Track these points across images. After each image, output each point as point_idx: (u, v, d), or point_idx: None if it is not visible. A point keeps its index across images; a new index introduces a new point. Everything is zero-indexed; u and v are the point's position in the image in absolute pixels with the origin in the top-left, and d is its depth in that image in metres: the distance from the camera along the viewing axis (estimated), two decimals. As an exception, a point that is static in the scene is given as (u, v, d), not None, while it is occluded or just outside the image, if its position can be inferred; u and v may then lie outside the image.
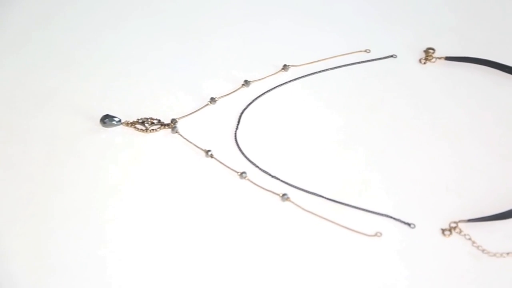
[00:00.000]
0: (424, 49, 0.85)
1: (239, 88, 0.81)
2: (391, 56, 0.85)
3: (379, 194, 0.71)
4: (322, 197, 0.70)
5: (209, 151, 0.74)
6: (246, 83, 0.81)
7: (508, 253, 0.66)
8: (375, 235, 0.67)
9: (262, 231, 0.68)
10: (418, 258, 0.66)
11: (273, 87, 0.81)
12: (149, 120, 0.76)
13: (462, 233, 0.67)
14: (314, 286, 0.64)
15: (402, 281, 0.65)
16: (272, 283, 0.65)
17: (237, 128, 0.77)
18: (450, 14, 0.90)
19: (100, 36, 0.88)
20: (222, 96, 0.80)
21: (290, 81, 0.82)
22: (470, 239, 0.67)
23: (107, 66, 0.84)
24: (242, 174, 0.72)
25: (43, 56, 0.85)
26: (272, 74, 0.82)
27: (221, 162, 0.73)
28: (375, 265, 0.66)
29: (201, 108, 0.79)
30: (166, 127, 0.76)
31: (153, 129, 0.76)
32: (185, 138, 0.75)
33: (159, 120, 0.76)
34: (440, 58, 0.84)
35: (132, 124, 0.76)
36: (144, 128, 0.76)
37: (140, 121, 0.76)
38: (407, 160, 0.74)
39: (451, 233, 0.67)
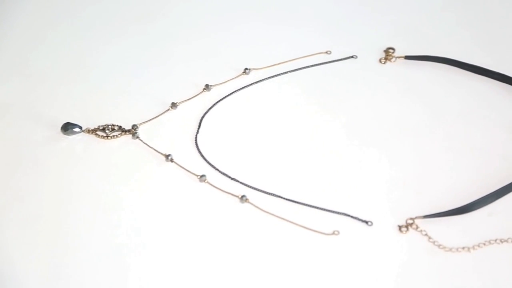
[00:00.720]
0: (384, 49, 0.86)
1: (200, 92, 0.81)
2: (352, 56, 0.86)
3: (337, 193, 0.71)
4: (281, 197, 0.71)
5: (169, 155, 0.74)
6: (207, 87, 0.82)
7: (463, 248, 0.66)
8: (333, 233, 0.68)
9: (221, 233, 0.68)
10: (376, 255, 0.66)
11: (234, 90, 0.82)
12: (110, 126, 0.77)
13: (419, 229, 0.68)
14: (273, 285, 0.65)
15: (360, 278, 0.65)
16: (231, 283, 0.65)
17: (197, 132, 0.77)
18: (409, 14, 0.92)
19: (61, 45, 0.88)
20: (183, 101, 0.80)
21: (251, 84, 0.82)
22: (426, 234, 0.67)
23: (67, 73, 0.84)
24: (202, 177, 0.72)
25: (3, 65, 0.85)
26: (233, 78, 0.83)
27: (181, 166, 0.74)
28: (333, 263, 0.66)
29: (162, 113, 0.79)
30: (127, 133, 0.77)
31: (114, 136, 0.76)
32: (145, 144, 0.76)
33: (120, 126, 0.77)
34: (399, 57, 0.85)
35: (93, 131, 0.76)
36: (105, 135, 0.76)
37: (101, 128, 0.77)
38: (364, 158, 0.74)
39: (407, 229, 0.68)
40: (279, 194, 0.71)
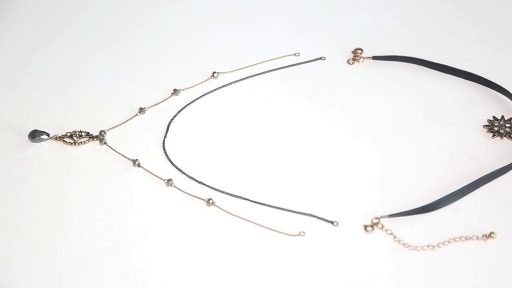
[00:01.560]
0: (352, 49, 0.86)
1: (169, 97, 0.81)
2: (320, 58, 0.86)
3: (303, 194, 0.71)
4: (247, 199, 0.71)
5: (136, 160, 0.74)
6: (176, 92, 0.82)
7: (428, 246, 0.66)
8: (299, 234, 0.68)
9: (187, 237, 0.68)
10: (342, 255, 0.66)
11: (202, 94, 0.82)
12: (77, 133, 0.77)
13: (384, 229, 0.68)
14: (240, 287, 0.65)
15: (326, 278, 0.65)
16: (198, 286, 0.65)
17: (165, 137, 0.77)
18: (377, 15, 0.92)
19: (28, 50, 0.88)
20: (151, 106, 0.80)
21: (219, 88, 0.83)
22: (391, 234, 0.67)
23: (34, 80, 0.84)
24: (169, 181, 0.72)
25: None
26: (202, 82, 0.83)
27: (148, 171, 0.74)
28: (300, 264, 0.66)
29: (130, 118, 0.79)
30: (95, 139, 0.77)
31: (81, 142, 0.76)
32: (113, 149, 0.76)
33: (88, 133, 0.77)
34: (367, 57, 0.85)
35: (61, 138, 0.76)
36: (72, 141, 0.76)
37: (69, 134, 0.77)
38: (331, 158, 0.75)
39: (373, 229, 0.68)
40: (245, 197, 0.71)
